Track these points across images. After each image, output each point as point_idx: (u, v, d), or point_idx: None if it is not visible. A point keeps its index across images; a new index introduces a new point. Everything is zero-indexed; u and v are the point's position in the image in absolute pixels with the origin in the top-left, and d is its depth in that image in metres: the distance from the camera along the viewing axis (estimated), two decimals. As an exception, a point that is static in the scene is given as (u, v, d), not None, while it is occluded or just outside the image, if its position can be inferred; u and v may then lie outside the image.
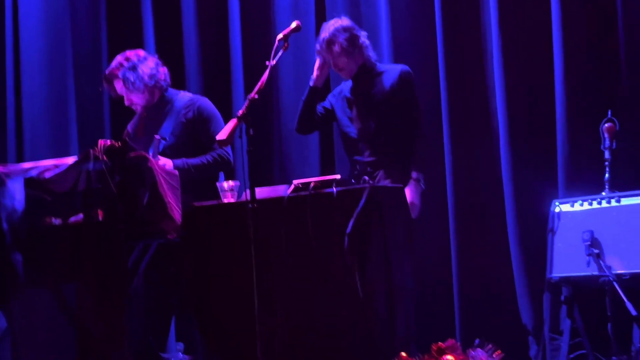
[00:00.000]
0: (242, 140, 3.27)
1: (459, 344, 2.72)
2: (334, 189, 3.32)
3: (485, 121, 4.72)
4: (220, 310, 3.56)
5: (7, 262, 3.26)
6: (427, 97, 4.62)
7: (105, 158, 3.24)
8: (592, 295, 4.07)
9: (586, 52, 4.43)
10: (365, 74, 4.08)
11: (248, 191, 3.14)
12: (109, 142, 3.31)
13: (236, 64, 5.30)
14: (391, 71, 4.08)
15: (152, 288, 3.83)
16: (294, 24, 3.51)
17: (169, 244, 3.58)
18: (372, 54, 4.12)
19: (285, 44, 3.40)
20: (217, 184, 3.70)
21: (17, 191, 3.27)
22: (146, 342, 3.78)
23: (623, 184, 4.12)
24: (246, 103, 3.19)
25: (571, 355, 4.07)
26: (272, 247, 3.33)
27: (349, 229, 3.23)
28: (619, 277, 3.82)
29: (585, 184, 4.26)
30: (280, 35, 3.44)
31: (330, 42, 3.99)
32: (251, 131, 3.16)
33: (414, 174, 3.92)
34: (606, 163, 4.12)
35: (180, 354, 4.82)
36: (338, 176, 3.43)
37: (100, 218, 3.25)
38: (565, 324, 4.08)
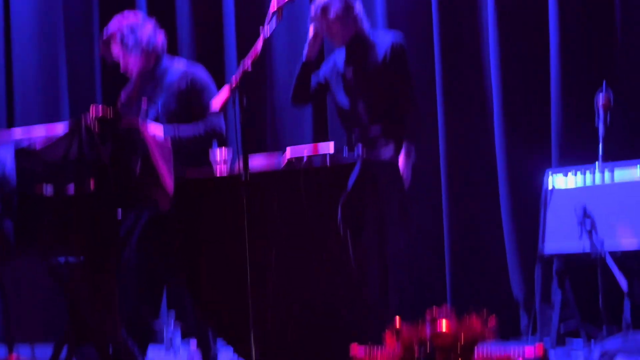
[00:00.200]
0: (235, 111, 3.25)
1: (453, 310, 2.73)
2: (328, 162, 3.31)
3: (480, 92, 4.71)
4: (213, 281, 3.57)
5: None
6: (421, 68, 4.60)
7: (97, 127, 3.21)
8: (583, 270, 4.10)
9: (582, 24, 4.41)
10: (358, 45, 4.06)
11: (241, 161, 3.12)
12: (100, 107, 3.27)
13: (229, 29, 5.26)
14: (384, 41, 4.05)
15: (144, 258, 3.82)
16: (290, -6, 3.47)
17: (161, 214, 3.56)
18: (365, 24, 4.09)
19: (280, 15, 3.36)
20: (210, 152, 3.67)
21: (7, 159, 3.24)
22: (138, 312, 3.78)
23: (616, 155, 4.12)
24: (240, 73, 3.16)
25: (561, 326, 4.10)
26: (265, 219, 3.33)
27: (342, 201, 3.22)
28: (611, 253, 3.84)
29: (579, 155, 4.26)
30: (274, 6, 3.40)
31: (325, 9, 3.97)
32: (245, 101, 3.13)
33: (405, 145, 3.92)
34: (600, 135, 4.12)
35: (172, 322, 4.84)
36: (332, 143, 3.41)
37: (92, 188, 3.23)
38: (556, 296, 4.11)
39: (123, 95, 4.13)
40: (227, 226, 3.46)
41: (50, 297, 4.72)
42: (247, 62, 3.22)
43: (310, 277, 3.36)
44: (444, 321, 2.70)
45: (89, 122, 3.21)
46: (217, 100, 3.14)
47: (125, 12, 4.07)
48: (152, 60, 4.03)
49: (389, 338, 2.79)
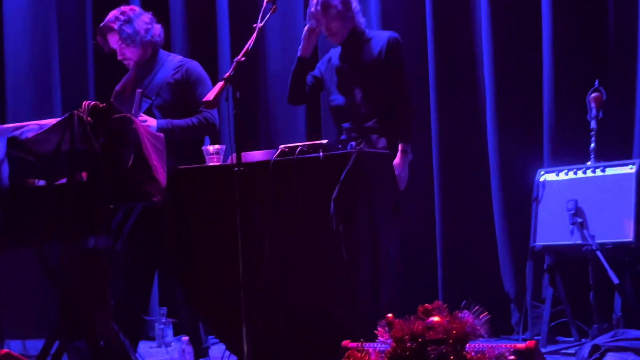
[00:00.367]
0: (229, 103, 3.25)
1: (445, 305, 2.73)
2: (321, 154, 3.31)
3: (473, 90, 4.71)
4: (204, 275, 3.56)
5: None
6: (415, 67, 4.60)
7: (89, 119, 3.20)
8: (574, 264, 4.11)
9: (575, 22, 4.42)
10: (355, 40, 4.06)
11: (234, 155, 3.12)
12: (93, 103, 3.27)
13: (222, 26, 5.26)
14: (380, 38, 4.06)
15: (136, 251, 3.82)
16: (283, -14, 3.47)
17: (153, 206, 3.56)
18: (362, 20, 4.10)
19: (274, 7, 3.36)
20: (203, 147, 3.67)
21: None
22: (129, 304, 3.78)
23: (608, 154, 4.14)
24: (233, 65, 3.16)
25: (552, 323, 4.11)
26: (257, 211, 3.32)
27: (335, 194, 3.22)
28: (601, 246, 3.85)
29: (571, 153, 4.27)
30: (268, -2, 3.40)
31: (326, 4, 3.96)
32: (238, 94, 3.13)
33: (401, 146, 3.91)
34: (592, 133, 4.14)
35: (164, 318, 4.84)
36: (325, 141, 3.41)
37: (84, 179, 3.22)
38: (548, 292, 4.12)
39: (118, 86, 4.13)
40: (219, 218, 3.45)
41: (42, 292, 4.70)
42: (241, 54, 3.21)
43: (303, 272, 3.36)
44: (436, 316, 2.70)
45: (81, 114, 3.20)
46: (211, 93, 3.13)
47: (122, 6, 4.09)
48: (148, 51, 4.03)
49: (381, 333, 2.79)
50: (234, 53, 5.05)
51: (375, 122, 3.97)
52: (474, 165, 4.68)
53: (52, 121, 3.31)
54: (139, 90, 3.74)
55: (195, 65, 4.03)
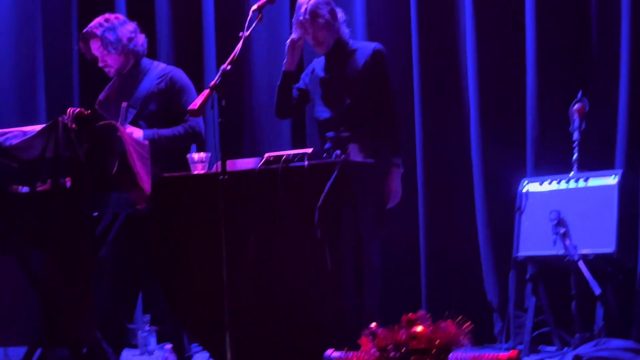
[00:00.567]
0: (214, 111, 3.25)
1: (428, 315, 2.74)
2: (306, 162, 3.31)
3: (457, 100, 4.74)
4: (189, 282, 3.55)
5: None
6: (399, 77, 4.62)
7: (74, 126, 3.19)
8: (557, 274, 4.13)
9: (559, 32, 4.45)
10: (339, 51, 4.05)
11: (219, 163, 3.12)
12: (77, 110, 3.26)
13: (208, 34, 5.26)
14: (365, 49, 4.05)
15: (120, 258, 3.80)
16: (268, -5, 3.46)
17: (137, 214, 3.55)
18: (346, 30, 4.10)
19: (260, 16, 3.36)
20: (188, 155, 3.67)
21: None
22: (113, 312, 3.76)
23: (591, 164, 4.17)
24: (219, 73, 3.16)
25: (535, 333, 4.13)
26: (242, 220, 3.32)
27: (319, 203, 3.23)
28: (584, 256, 3.87)
29: (554, 164, 4.30)
30: (254, 7, 3.40)
31: (314, 13, 3.93)
32: (223, 102, 3.13)
33: (394, 160, 3.89)
34: (575, 143, 4.17)
35: (147, 325, 4.82)
36: (310, 150, 3.42)
37: (68, 186, 3.21)
38: (530, 302, 4.14)
39: (102, 96, 4.12)
40: (203, 226, 3.45)
41: (24, 299, 4.67)
42: (227, 63, 3.22)
43: (287, 281, 3.36)
44: (419, 326, 2.71)
45: (66, 120, 3.19)
46: (196, 101, 3.13)
47: (106, 14, 4.08)
48: (130, 60, 4.03)
49: (365, 342, 2.80)
50: (220, 61, 5.06)
51: (359, 132, 3.97)
52: (458, 175, 4.70)
53: (36, 128, 3.30)
54: (124, 104, 3.73)
55: (179, 73, 4.03)
